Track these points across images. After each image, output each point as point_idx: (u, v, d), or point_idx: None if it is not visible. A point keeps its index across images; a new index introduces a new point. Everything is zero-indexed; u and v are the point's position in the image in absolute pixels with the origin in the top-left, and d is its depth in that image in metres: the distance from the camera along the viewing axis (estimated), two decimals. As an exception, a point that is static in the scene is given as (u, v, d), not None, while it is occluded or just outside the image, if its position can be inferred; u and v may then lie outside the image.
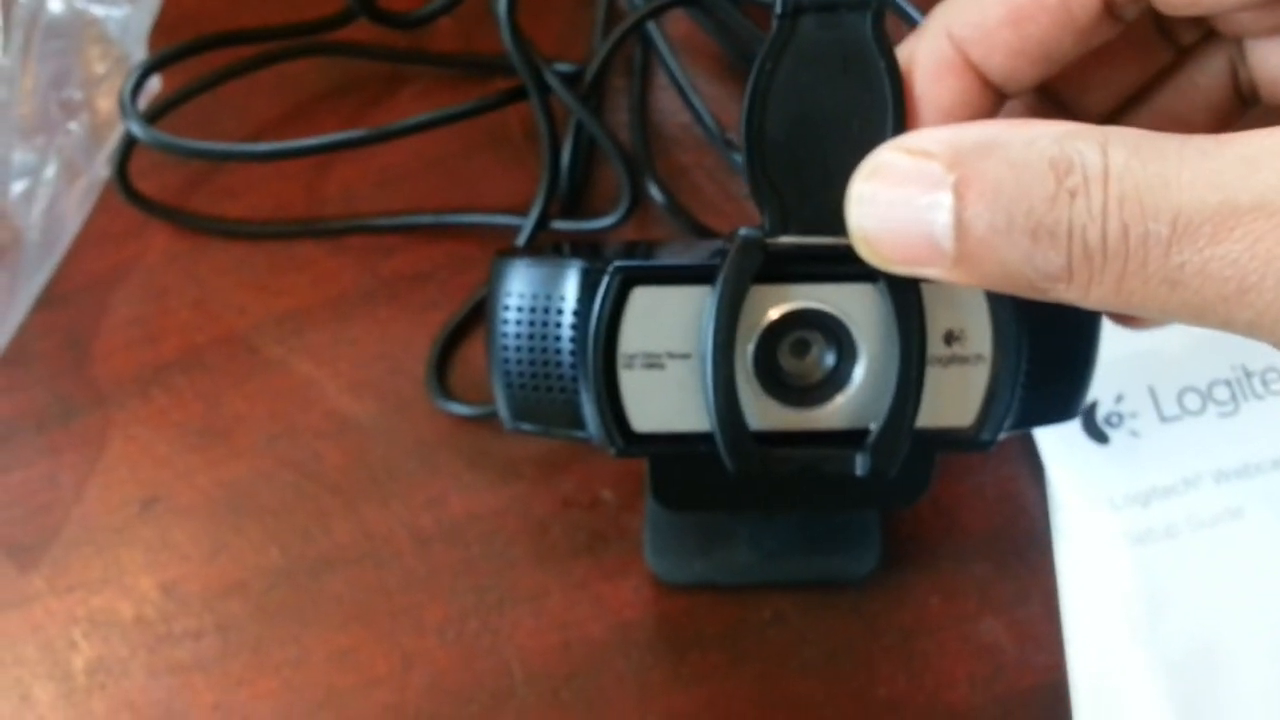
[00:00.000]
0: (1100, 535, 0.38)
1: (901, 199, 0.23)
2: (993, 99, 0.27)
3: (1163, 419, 0.40)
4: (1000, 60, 0.26)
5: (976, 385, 0.28)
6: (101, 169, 0.43)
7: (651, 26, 0.44)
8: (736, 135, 0.43)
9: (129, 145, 0.42)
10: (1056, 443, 0.40)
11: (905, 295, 0.27)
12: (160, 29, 0.44)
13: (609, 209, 0.43)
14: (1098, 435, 0.40)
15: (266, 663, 0.38)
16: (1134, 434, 0.40)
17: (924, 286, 0.28)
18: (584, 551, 0.39)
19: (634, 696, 0.38)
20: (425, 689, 0.38)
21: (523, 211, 0.42)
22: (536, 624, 0.38)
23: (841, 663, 0.38)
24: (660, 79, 0.46)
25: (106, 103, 0.42)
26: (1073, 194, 0.21)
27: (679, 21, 0.46)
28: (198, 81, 0.43)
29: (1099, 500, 0.39)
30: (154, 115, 0.42)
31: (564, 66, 0.43)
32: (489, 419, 0.40)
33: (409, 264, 0.43)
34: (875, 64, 0.26)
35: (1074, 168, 0.21)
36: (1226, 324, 0.21)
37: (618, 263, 0.28)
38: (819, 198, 0.26)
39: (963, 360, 0.28)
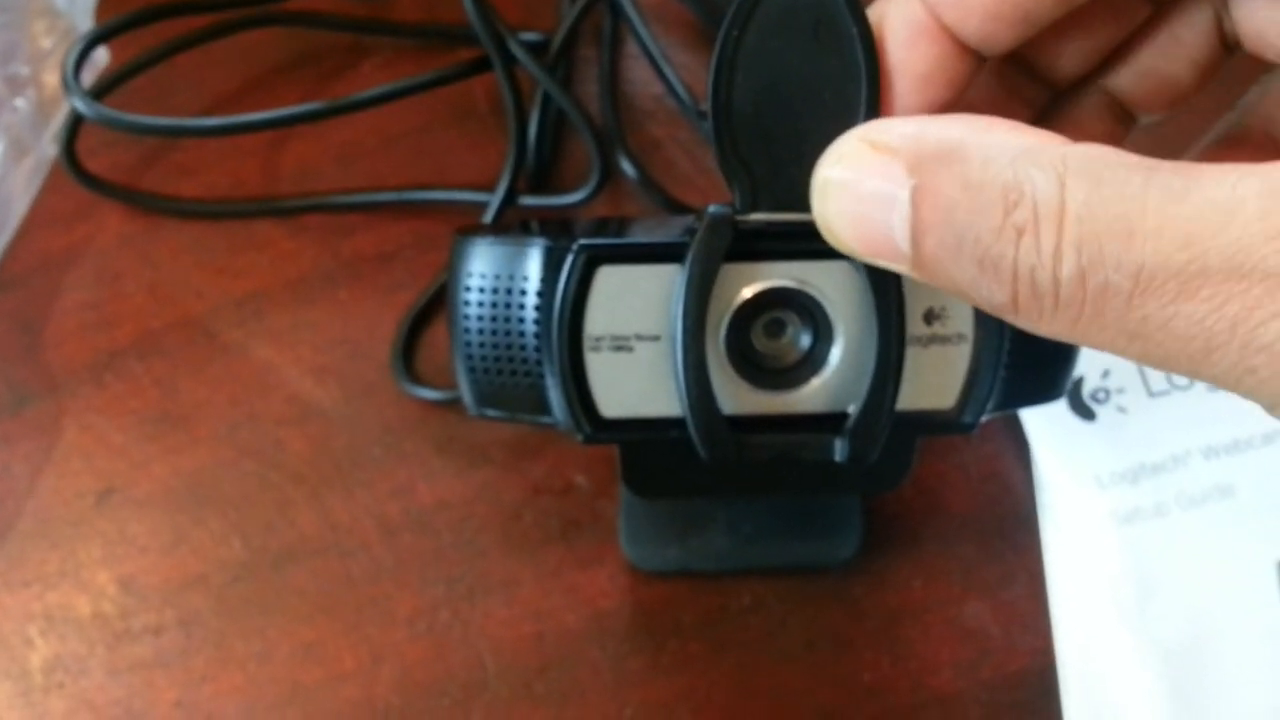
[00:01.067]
0: (1087, 515, 0.37)
1: (863, 194, 0.22)
2: (969, 63, 0.26)
3: (1151, 394, 0.39)
4: (976, 24, 0.25)
5: (958, 366, 0.27)
6: (49, 147, 0.41)
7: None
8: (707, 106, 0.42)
9: (76, 122, 0.40)
10: (1041, 420, 0.39)
11: (883, 272, 0.26)
12: (108, 2, 0.42)
13: (579, 184, 0.41)
14: (1084, 412, 0.39)
15: (230, 658, 0.37)
16: (1121, 410, 0.39)
17: None
18: (557, 539, 0.38)
19: (610, 687, 0.37)
20: (394, 683, 0.37)
21: (489, 188, 0.41)
22: (509, 614, 0.37)
23: (823, 649, 0.37)
24: (630, 48, 0.44)
25: (53, 78, 0.41)
26: (1019, 231, 0.20)
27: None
28: (148, 54, 0.41)
29: (1086, 479, 0.38)
30: (102, 90, 0.40)
31: (530, 36, 0.42)
32: (456, 403, 0.39)
33: (371, 244, 0.42)
34: (847, 30, 0.25)
35: (1024, 199, 0.20)
36: (1192, 376, 0.20)
37: (582, 240, 0.26)
38: (791, 172, 0.25)
39: (944, 340, 0.27)
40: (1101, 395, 0.39)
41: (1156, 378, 0.39)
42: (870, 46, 0.25)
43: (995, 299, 0.21)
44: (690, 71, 0.42)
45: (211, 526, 0.38)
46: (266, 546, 0.38)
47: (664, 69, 0.42)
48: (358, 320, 0.40)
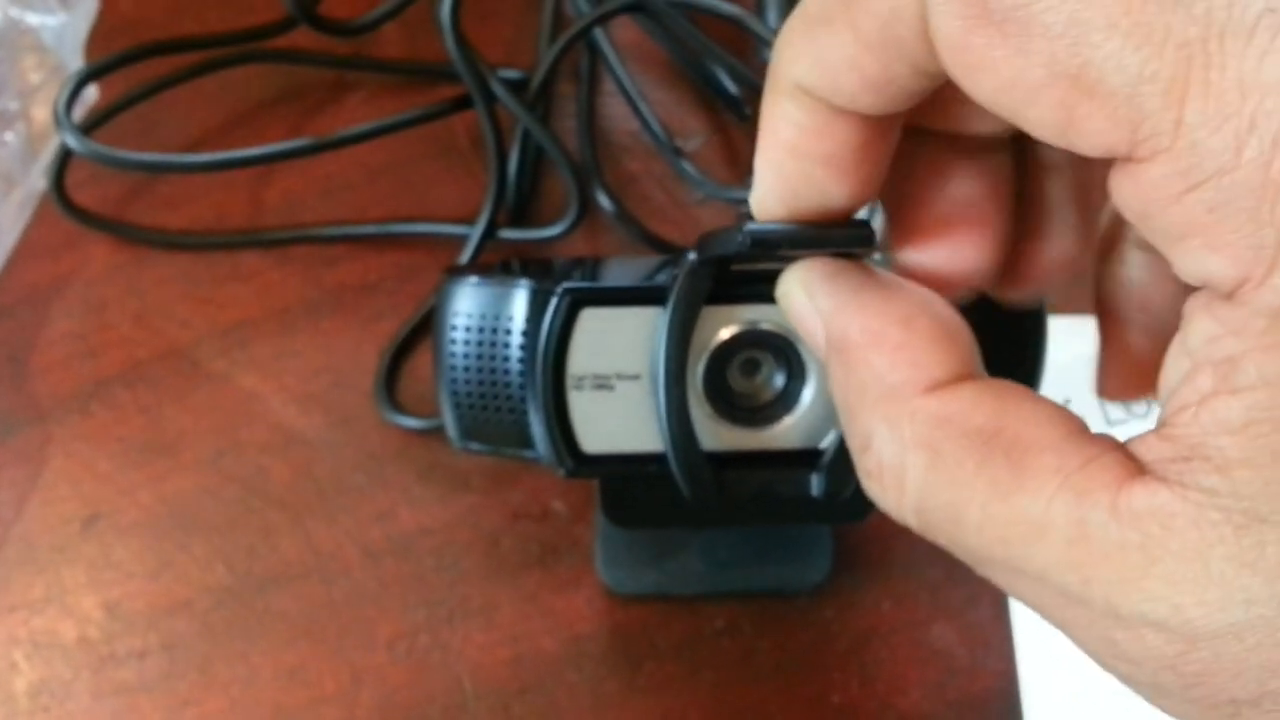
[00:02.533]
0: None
1: (796, 315, 0.24)
2: (874, 130, 0.23)
3: (1109, 423, 0.40)
4: (853, 93, 0.22)
5: None
6: (38, 180, 0.42)
7: (598, 33, 0.44)
8: (684, 143, 0.43)
9: (65, 157, 0.41)
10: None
11: None
12: (97, 37, 0.43)
13: (556, 217, 0.42)
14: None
15: (213, 682, 0.38)
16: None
17: None
18: (535, 564, 0.39)
19: (588, 709, 0.37)
20: (375, 706, 0.37)
21: (470, 220, 0.42)
22: (488, 638, 0.38)
23: (794, 670, 0.38)
24: (607, 85, 0.45)
25: (42, 112, 0.42)
26: (869, 475, 0.22)
27: (626, 28, 0.45)
28: (137, 90, 0.42)
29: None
30: (91, 125, 0.41)
31: (510, 73, 0.43)
32: (438, 432, 0.40)
33: (354, 275, 0.42)
34: None
35: (871, 450, 0.22)
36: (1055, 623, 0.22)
37: (566, 284, 0.27)
38: None
39: None
40: (1063, 424, 0.40)
41: (1114, 408, 0.40)
42: None
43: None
44: (665, 108, 0.44)
45: (196, 552, 0.39)
46: (250, 572, 0.39)
47: (640, 106, 0.43)
48: (341, 350, 0.41)
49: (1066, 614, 0.20)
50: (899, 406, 0.21)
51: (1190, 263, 0.18)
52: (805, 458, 0.28)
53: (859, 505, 0.31)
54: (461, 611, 0.38)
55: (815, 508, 0.30)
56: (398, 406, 0.40)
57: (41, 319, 0.42)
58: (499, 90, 0.40)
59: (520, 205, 0.43)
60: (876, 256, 0.24)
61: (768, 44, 0.42)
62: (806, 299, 0.23)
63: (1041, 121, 0.19)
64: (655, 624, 0.38)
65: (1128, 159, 0.18)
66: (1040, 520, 0.19)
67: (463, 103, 0.42)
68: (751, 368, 0.28)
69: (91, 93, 0.42)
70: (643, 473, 0.28)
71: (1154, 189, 0.18)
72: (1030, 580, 0.20)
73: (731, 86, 0.44)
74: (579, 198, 0.41)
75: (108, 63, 0.41)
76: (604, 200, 0.42)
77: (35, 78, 0.42)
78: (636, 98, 0.43)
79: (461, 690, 0.38)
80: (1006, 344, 0.30)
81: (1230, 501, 0.17)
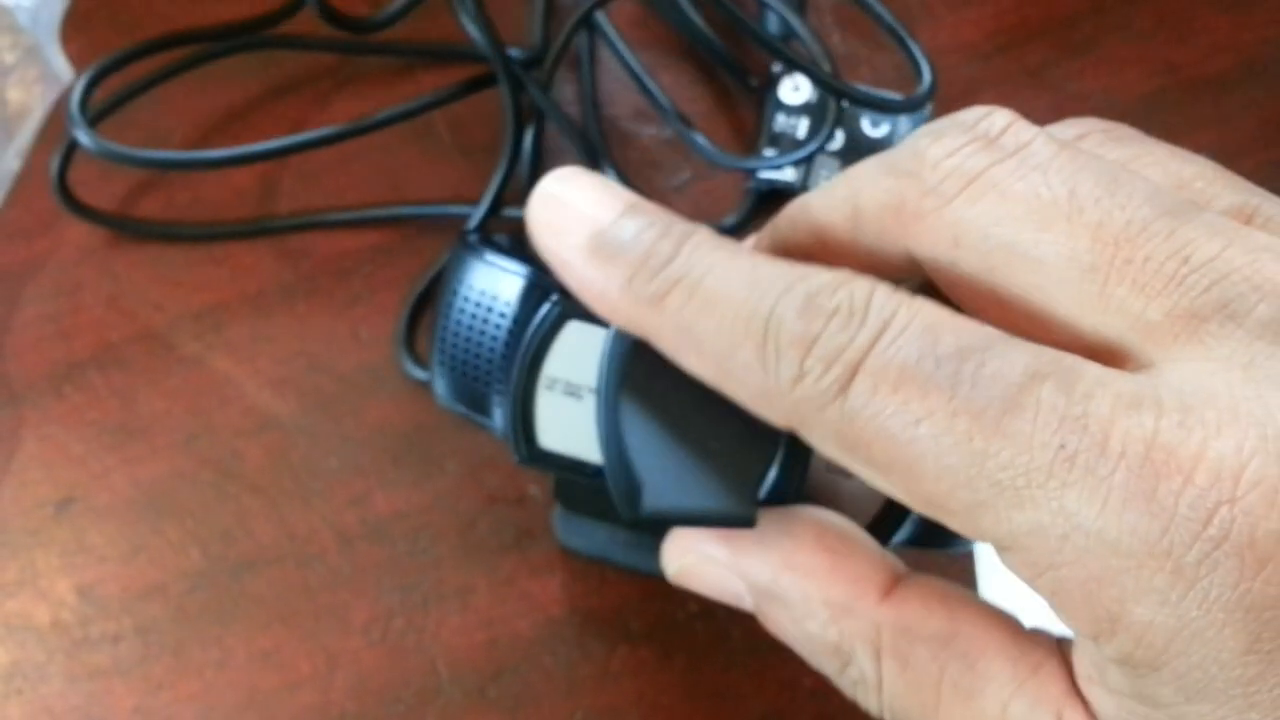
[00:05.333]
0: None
1: (716, 594, 0.26)
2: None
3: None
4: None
5: (871, 504, 0.28)
6: (13, 161, 0.42)
7: (597, 12, 0.44)
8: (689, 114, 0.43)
9: (70, 150, 0.41)
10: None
11: None
12: (73, 18, 0.43)
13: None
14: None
15: (188, 665, 0.38)
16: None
17: None
18: (511, 548, 0.39)
19: (562, 692, 0.38)
20: (350, 689, 0.38)
21: (445, 203, 0.42)
22: (463, 621, 0.38)
23: (767, 654, 0.38)
24: (605, 65, 0.45)
25: (17, 94, 0.41)
26: (854, 683, 0.24)
27: (623, 4, 0.45)
28: (137, 83, 0.42)
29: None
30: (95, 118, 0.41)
31: (515, 52, 0.43)
32: (415, 415, 0.40)
33: (329, 258, 0.42)
34: None
35: (852, 664, 0.24)
36: None
37: (560, 293, 0.28)
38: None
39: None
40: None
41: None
42: None
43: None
44: (666, 84, 0.44)
45: (170, 536, 0.39)
46: (225, 556, 0.39)
47: (645, 80, 0.43)
48: (315, 334, 0.41)
49: None
50: (863, 621, 0.24)
51: (1060, 615, 0.21)
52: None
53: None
54: (436, 595, 0.39)
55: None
56: (417, 359, 0.41)
57: (13, 302, 0.42)
58: (519, 71, 0.41)
59: (531, 184, 0.43)
60: None
61: (770, 9, 0.42)
62: (714, 568, 0.25)
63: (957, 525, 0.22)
64: (629, 608, 0.39)
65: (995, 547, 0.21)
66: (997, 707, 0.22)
67: (478, 84, 0.42)
68: None
69: (68, 76, 0.41)
70: (586, 480, 0.29)
71: (1017, 568, 0.21)
72: None
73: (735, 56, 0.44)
74: None
75: (122, 56, 0.41)
76: (611, 176, 0.42)
77: (9, 58, 0.42)
78: (641, 72, 0.43)
79: (436, 673, 0.38)
80: None
81: None
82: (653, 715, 0.38)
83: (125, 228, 0.42)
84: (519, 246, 0.33)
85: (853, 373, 0.20)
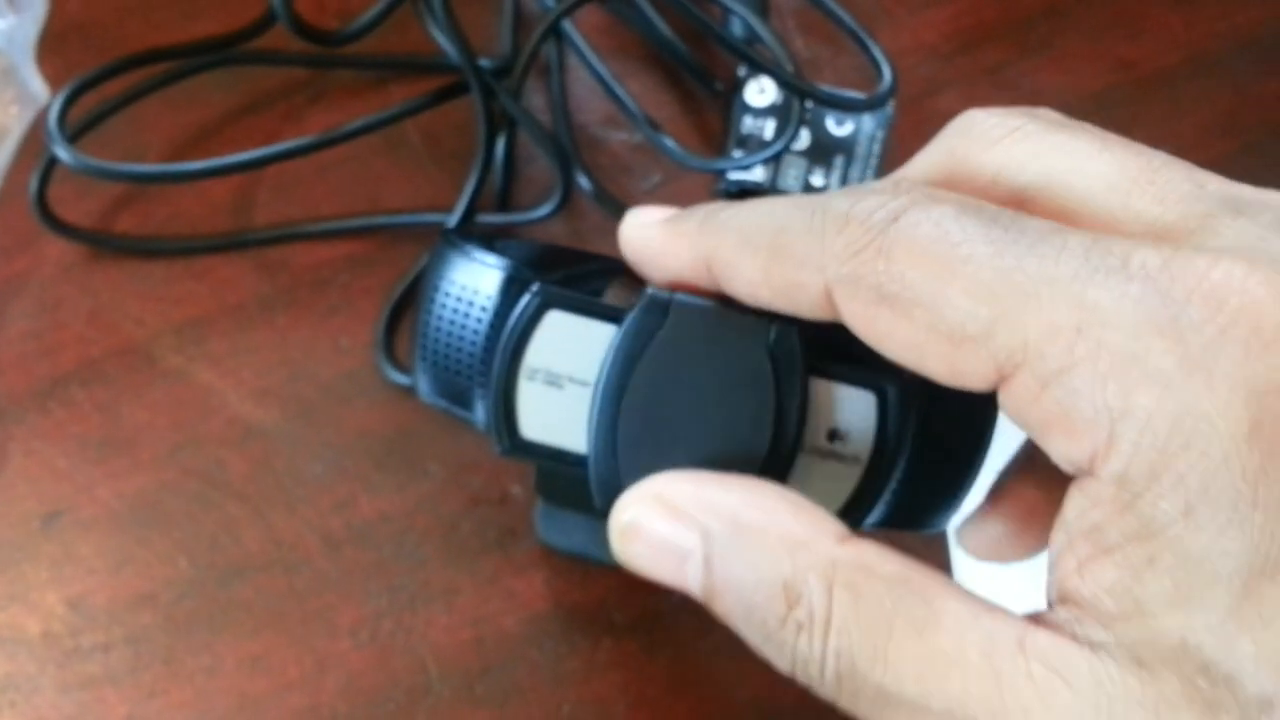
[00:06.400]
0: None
1: (659, 546, 0.26)
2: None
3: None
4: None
5: (845, 484, 0.29)
6: (-11, 182, 0.42)
7: (565, 20, 0.44)
8: (657, 119, 0.44)
9: (49, 166, 0.41)
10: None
11: (791, 377, 0.27)
12: (48, 39, 0.43)
13: (531, 204, 0.43)
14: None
15: (179, 672, 0.38)
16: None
17: (819, 384, 0.28)
18: (494, 547, 0.40)
19: (549, 686, 0.38)
20: (340, 691, 0.38)
21: (421, 212, 0.43)
22: (449, 620, 0.39)
23: (750, 644, 0.39)
24: (573, 72, 0.46)
25: (-9, 114, 0.42)
26: (799, 626, 0.23)
27: (583, 15, 0.46)
28: (111, 100, 0.43)
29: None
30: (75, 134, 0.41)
31: (484, 62, 0.44)
32: (397, 420, 0.40)
33: (307, 269, 0.43)
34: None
35: (801, 600, 0.23)
36: None
37: (542, 282, 0.28)
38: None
39: (839, 458, 0.29)
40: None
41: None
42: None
43: (779, 665, 0.24)
44: (633, 90, 0.45)
45: (157, 546, 0.40)
46: (212, 564, 0.39)
47: (613, 86, 0.44)
48: (296, 344, 0.42)
49: None
50: (820, 556, 0.23)
51: (1057, 449, 0.22)
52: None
53: None
54: (423, 596, 0.39)
55: None
56: (396, 363, 0.41)
57: (-4, 320, 0.42)
58: (489, 79, 0.42)
59: (504, 191, 0.44)
60: None
61: (734, 14, 0.43)
62: (664, 502, 0.25)
63: (937, 370, 0.23)
64: (613, 601, 0.39)
65: (1000, 380, 0.22)
66: (954, 655, 0.22)
67: (449, 93, 0.43)
68: None
69: (44, 95, 0.42)
70: (568, 471, 0.29)
71: (1021, 395, 0.22)
72: (936, 717, 0.22)
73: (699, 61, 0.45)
74: (563, 181, 0.42)
75: (100, 73, 0.41)
76: (583, 181, 0.43)
77: (-16, 80, 0.42)
78: (609, 79, 0.44)
79: (425, 672, 0.38)
80: (942, 465, 0.31)
81: (1119, 652, 0.21)
82: (639, 706, 0.38)
83: (105, 244, 0.43)
84: (496, 242, 0.33)
85: (896, 216, 0.23)
